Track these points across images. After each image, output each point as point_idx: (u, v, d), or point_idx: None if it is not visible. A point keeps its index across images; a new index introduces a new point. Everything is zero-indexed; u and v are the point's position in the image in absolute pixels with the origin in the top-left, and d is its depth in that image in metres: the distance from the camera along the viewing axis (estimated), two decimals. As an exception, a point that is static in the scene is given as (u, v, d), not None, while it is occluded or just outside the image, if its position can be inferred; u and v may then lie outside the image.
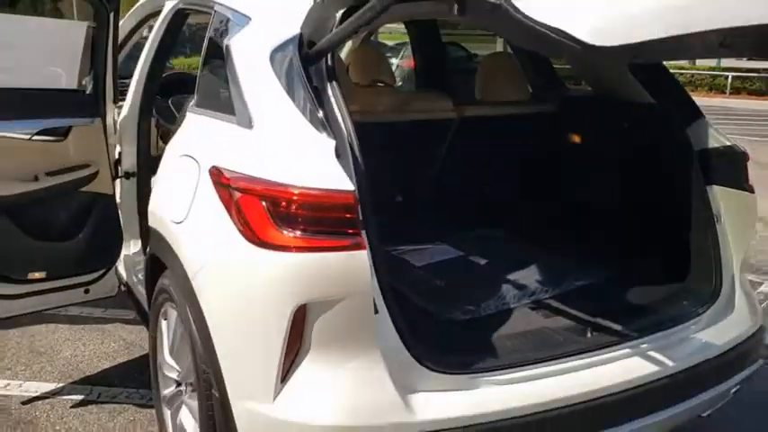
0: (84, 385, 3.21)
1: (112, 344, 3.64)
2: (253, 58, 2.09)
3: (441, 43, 4.54)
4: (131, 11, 3.68)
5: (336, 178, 1.76)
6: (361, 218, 1.76)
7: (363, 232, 1.76)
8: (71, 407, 3.03)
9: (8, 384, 3.21)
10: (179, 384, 2.45)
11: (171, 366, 2.43)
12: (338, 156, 1.82)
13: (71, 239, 3.08)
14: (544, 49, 1.44)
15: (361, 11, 1.69)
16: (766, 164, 8.76)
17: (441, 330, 2.11)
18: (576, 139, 3.06)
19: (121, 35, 3.37)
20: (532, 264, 2.67)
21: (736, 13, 1.59)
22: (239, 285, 1.85)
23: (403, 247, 2.72)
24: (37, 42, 2.86)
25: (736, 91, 20.07)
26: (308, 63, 2.00)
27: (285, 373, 1.77)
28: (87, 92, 3.04)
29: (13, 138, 2.88)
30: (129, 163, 3.26)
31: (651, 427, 2.10)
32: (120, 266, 3.32)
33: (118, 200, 3.22)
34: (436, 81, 4.21)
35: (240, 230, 1.81)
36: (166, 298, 2.37)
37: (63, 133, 3.00)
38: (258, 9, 2.26)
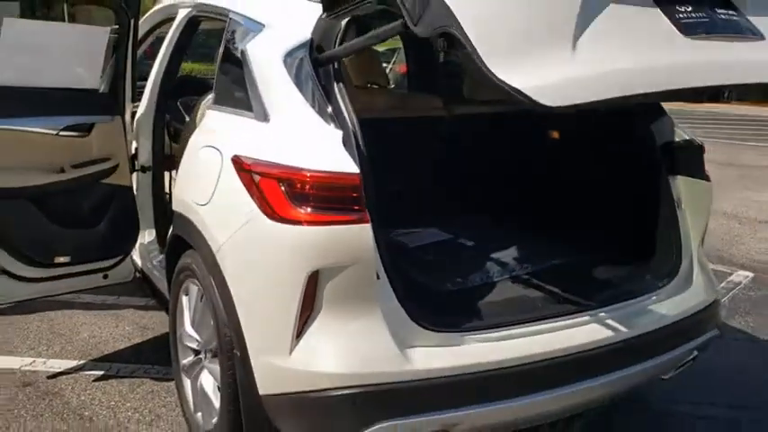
0: (104, 362, 3.47)
1: (127, 327, 3.90)
2: (268, 60, 2.38)
3: (431, 48, 4.82)
4: (144, 17, 3.95)
5: (344, 162, 2.05)
6: (364, 197, 2.05)
7: (366, 210, 2.06)
8: (93, 381, 3.29)
9: (34, 361, 3.47)
10: (197, 353, 2.73)
11: (191, 337, 2.71)
12: (344, 144, 2.12)
13: (93, 227, 3.32)
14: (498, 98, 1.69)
15: (367, 36, 2.03)
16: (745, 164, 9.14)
17: (433, 297, 2.40)
18: (555, 134, 3.37)
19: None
20: (513, 245, 2.97)
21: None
22: (260, 255, 2.15)
23: (397, 230, 3.02)
24: (64, 46, 3.12)
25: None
26: (318, 65, 2.29)
27: (300, 330, 2.05)
28: (108, 92, 3.31)
29: (43, 133, 3.16)
30: (145, 158, 3.53)
31: (616, 383, 2.38)
32: (135, 254, 3.59)
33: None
34: (427, 83, 4.50)
35: (261, 208, 2.10)
36: (188, 275, 2.65)
37: (87, 129, 3.24)
38: (271, 17, 2.56)
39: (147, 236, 3.62)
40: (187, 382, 2.81)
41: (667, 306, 2.55)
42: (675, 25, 1.93)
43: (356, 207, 2.03)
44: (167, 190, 3.73)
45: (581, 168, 3.04)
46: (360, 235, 2.02)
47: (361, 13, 2.31)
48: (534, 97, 1.62)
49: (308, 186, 2.04)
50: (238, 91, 2.52)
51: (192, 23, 3.39)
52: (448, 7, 1.66)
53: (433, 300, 2.33)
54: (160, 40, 3.94)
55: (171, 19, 3.67)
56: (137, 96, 3.49)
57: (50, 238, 3.21)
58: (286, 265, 2.05)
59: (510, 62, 1.67)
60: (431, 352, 2.10)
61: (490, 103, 3.42)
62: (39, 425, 2.92)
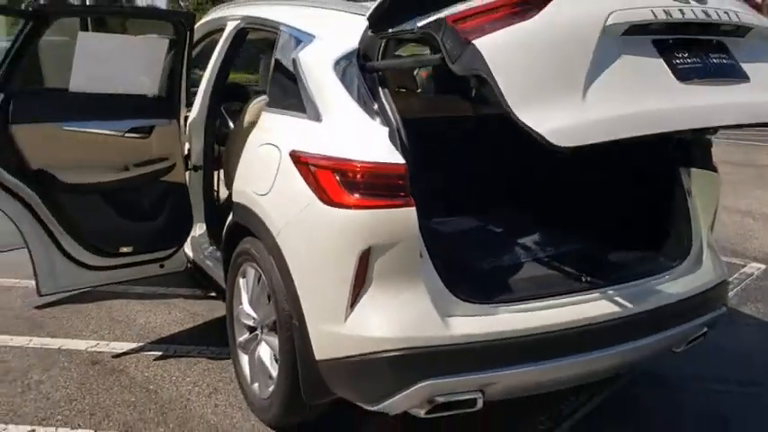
0: (162, 344, 3.80)
1: (178, 314, 4.23)
2: (319, 66, 2.68)
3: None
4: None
5: (391, 154, 2.36)
6: (409, 185, 2.35)
7: (411, 196, 2.35)
8: (153, 360, 3.62)
9: (98, 344, 3.80)
10: (252, 330, 3.04)
11: (248, 315, 3.03)
12: (390, 139, 2.42)
13: (152, 221, 3.66)
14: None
15: (413, 59, 2.48)
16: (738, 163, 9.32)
17: (468, 273, 2.68)
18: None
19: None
20: (538, 232, 3.26)
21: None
22: (317, 237, 2.46)
23: (435, 218, 3.31)
24: (129, 55, 3.46)
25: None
26: (364, 71, 2.60)
27: (353, 301, 2.35)
28: (166, 97, 3.65)
29: (109, 134, 3.50)
30: (196, 158, 3.86)
31: (632, 352, 2.64)
32: (187, 247, 3.91)
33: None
34: (453, 87, 4.78)
35: (317, 195, 2.41)
36: (246, 258, 2.97)
37: (147, 131, 3.58)
38: (321, 29, 2.87)
39: (197, 229, 3.94)
40: (244, 358, 3.12)
41: (679, 284, 2.80)
42: (672, 71, 2.24)
43: (402, 193, 2.33)
44: (215, 188, 4.06)
45: (602, 164, 3.30)
46: (405, 217, 2.31)
47: (403, 38, 2.61)
48: (549, 138, 1.95)
49: (359, 175, 2.35)
50: (291, 94, 2.81)
51: (240, 35, 3.71)
52: (482, 55, 1.99)
53: (469, 276, 2.61)
54: (204, 50, 4.28)
55: (217, 30, 4.00)
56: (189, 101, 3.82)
57: (116, 230, 3.55)
58: (341, 245, 2.36)
59: (530, 106, 1.99)
60: (467, 320, 2.39)
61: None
62: (110, 396, 3.25)
